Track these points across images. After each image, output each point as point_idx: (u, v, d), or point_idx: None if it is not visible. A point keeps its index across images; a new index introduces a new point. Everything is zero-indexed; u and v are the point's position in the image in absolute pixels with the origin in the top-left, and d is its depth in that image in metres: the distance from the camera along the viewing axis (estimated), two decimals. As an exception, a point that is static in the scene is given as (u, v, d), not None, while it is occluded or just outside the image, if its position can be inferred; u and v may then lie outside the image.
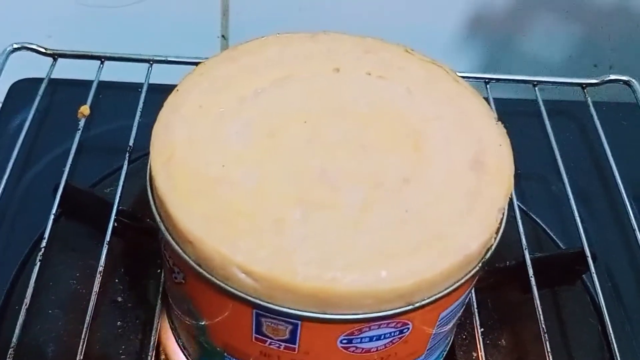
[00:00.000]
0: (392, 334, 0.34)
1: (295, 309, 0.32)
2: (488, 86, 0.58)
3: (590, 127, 0.58)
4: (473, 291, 0.46)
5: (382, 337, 0.34)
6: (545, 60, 0.76)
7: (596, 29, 0.73)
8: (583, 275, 0.51)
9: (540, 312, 0.45)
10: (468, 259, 0.32)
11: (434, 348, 0.39)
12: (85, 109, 0.54)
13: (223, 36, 0.71)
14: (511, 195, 0.49)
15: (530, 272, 0.47)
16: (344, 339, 0.33)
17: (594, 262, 0.48)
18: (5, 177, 0.49)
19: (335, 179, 0.34)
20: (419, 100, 0.39)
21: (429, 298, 0.32)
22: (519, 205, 0.51)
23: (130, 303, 0.48)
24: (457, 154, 0.36)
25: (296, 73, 0.39)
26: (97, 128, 0.57)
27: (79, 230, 0.51)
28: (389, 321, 0.33)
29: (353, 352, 0.34)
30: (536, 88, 0.59)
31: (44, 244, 0.46)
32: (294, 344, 0.34)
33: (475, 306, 0.46)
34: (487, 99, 0.47)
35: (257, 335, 0.34)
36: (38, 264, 0.45)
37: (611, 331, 0.45)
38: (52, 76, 0.57)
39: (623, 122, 0.63)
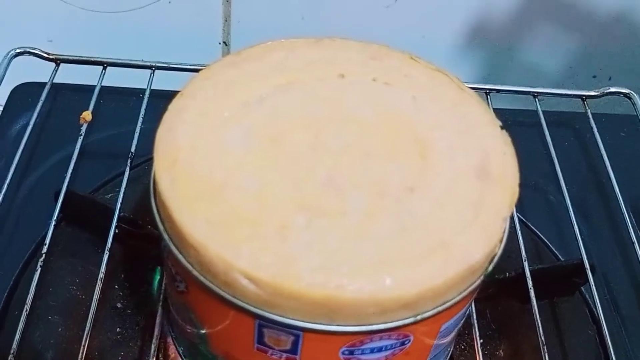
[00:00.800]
0: (394, 346, 0.34)
1: (297, 320, 0.32)
2: (489, 97, 0.58)
3: (590, 138, 0.59)
4: (473, 302, 0.46)
5: (384, 348, 0.34)
6: (545, 71, 0.76)
7: (595, 41, 0.74)
8: (582, 287, 0.51)
9: (539, 323, 0.45)
10: (472, 268, 0.32)
11: (435, 359, 0.39)
12: (87, 115, 0.54)
13: (225, 42, 0.71)
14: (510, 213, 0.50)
15: (530, 283, 0.47)
16: (346, 350, 0.33)
17: (592, 274, 0.49)
18: (7, 182, 0.49)
19: (340, 185, 0.34)
20: (424, 108, 0.39)
21: (430, 310, 0.33)
22: (518, 217, 0.51)
23: (130, 310, 0.49)
24: (461, 162, 0.36)
25: (300, 79, 0.39)
26: (99, 133, 0.57)
27: (79, 236, 0.51)
28: (391, 333, 0.33)
29: (354, 363, 0.34)
30: (536, 99, 0.60)
31: (44, 249, 0.46)
32: (296, 354, 0.34)
33: (474, 317, 0.46)
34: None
35: (259, 346, 0.34)
36: (39, 269, 0.45)
37: (609, 342, 0.45)
38: (54, 81, 0.57)
39: (622, 134, 0.63)
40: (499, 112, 0.52)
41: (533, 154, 0.55)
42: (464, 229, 0.33)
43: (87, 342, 0.42)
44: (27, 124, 0.54)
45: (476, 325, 0.46)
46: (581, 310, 0.51)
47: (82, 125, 0.53)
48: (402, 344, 0.34)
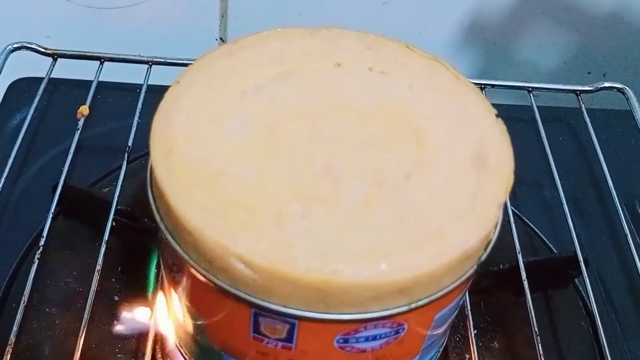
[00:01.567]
0: (388, 334, 0.34)
1: (293, 308, 0.32)
2: (484, 91, 0.59)
3: (584, 133, 0.59)
4: (467, 294, 0.47)
5: (378, 337, 0.34)
6: (541, 67, 0.76)
7: (590, 37, 0.74)
8: (575, 279, 0.52)
9: (533, 315, 0.46)
10: (467, 253, 0.32)
11: (428, 349, 0.39)
12: (84, 109, 0.54)
13: (221, 39, 0.71)
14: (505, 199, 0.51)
15: (523, 275, 0.48)
16: (341, 339, 0.34)
17: (586, 266, 0.49)
18: (4, 175, 0.49)
19: (337, 174, 0.34)
20: (420, 96, 0.39)
21: (425, 298, 0.33)
22: (512, 210, 0.52)
23: (127, 302, 0.49)
24: (458, 150, 0.36)
25: (297, 68, 0.39)
26: (96, 128, 0.57)
27: (76, 229, 0.51)
28: (385, 321, 0.33)
29: (349, 351, 0.34)
30: (531, 94, 0.60)
31: (42, 242, 0.46)
32: (291, 343, 0.34)
33: (468, 308, 0.47)
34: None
35: (255, 334, 0.34)
36: (36, 262, 0.45)
37: (602, 334, 0.46)
38: (51, 76, 0.57)
39: (616, 128, 0.64)
40: (494, 107, 0.52)
41: (528, 149, 0.55)
42: (460, 215, 0.33)
43: (84, 333, 0.42)
44: (25, 118, 0.54)
45: (470, 317, 0.46)
46: (575, 302, 0.51)
47: (79, 120, 0.54)
48: (397, 332, 0.34)
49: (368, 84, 0.39)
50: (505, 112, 0.39)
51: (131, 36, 0.70)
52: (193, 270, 0.34)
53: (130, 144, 0.52)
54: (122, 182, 0.50)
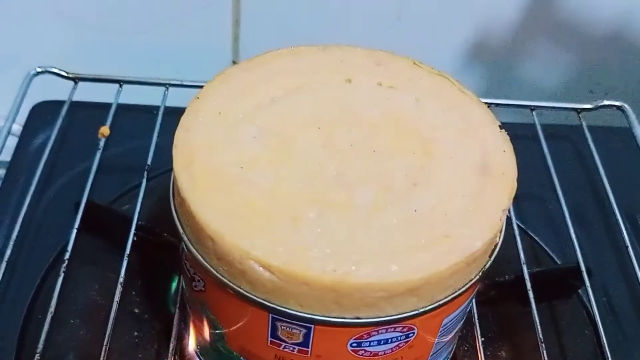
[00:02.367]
0: (399, 338, 0.36)
1: (309, 313, 0.34)
2: (488, 110, 0.60)
3: (585, 150, 0.60)
4: (475, 304, 0.48)
5: (390, 340, 0.36)
6: (543, 87, 0.78)
7: (592, 57, 0.75)
8: (579, 290, 0.53)
9: (538, 325, 0.47)
10: (474, 255, 0.34)
11: (437, 354, 0.41)
12: (105, 130, 0.56)
13: (234, 62, 0.73)
14: (510, 214, 0.52)
15: (529, 285, 0.49)
16: (354, 342, 0.35)
17: (589, 277, 0.50)
18: (30, 193, 0.51)
19: (348, 181, 0.36)
20: (427, 109, 0.41)
21: (434, 304, 0.35)
22: (517, 224, 0.53)
23: (146, 314, 0.51)
24: (463, 159, 0.38)
25: (310, 83, 0.41)
26: (116, 148, 0.59)
27: (98, 245, 0.53)
28: (396, 325, 0.35)
29: (362, 355, 0.36)
30: (534, 112, 0.61)
31: (67, 256, 0.48)
32: (307, 347, 0.36)
33: (476, 318, 0.48)
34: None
35: (273, 339, 0.36)
36: (62, 274, 0.47)
37: (605, 342, 0.47)
38: (72, 99, 0.59)
39: (616, 145, 0.65)
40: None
41: (531, 165, 0.56)
42: (466, 219, 0.35)
43: (108, 343, 0.43)
44: (48, 139, 0.56)
45: (478, 326, 0.48)
46: (578, 311, 0.53)
47: (100, 140, 0.56)
48: (407, 336, 0.36)
49: (377, 97, 0.41)
50: (509, 130, 0.41)
51: (146, 60, 0.72)
52: (213, 277, 0.35)
53: (149, 162, 0.53)
54: (142, 199, 0.51)
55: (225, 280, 0.35)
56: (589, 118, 0.62)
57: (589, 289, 0.50)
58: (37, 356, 0.43)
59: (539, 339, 0.46)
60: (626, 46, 0.75)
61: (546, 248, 0.57)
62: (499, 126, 0.40)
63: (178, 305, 0.46)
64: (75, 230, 0.49)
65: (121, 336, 0.49)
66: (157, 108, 0.59)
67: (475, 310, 0.48)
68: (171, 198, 0.39)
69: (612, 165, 0.58)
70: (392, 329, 0.35)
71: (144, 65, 0.69)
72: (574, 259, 0.51)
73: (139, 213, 0.50)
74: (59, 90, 0.60)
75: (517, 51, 0.75)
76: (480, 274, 0.37)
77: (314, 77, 0.42)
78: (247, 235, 0.33)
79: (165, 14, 0.70)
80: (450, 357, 0.45)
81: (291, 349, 0.36)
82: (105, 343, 0.44)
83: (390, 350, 0.37)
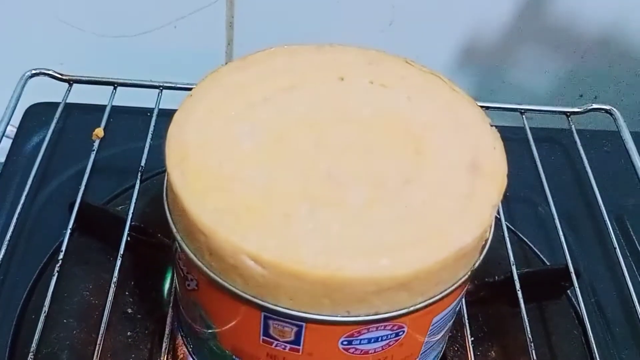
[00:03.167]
0: (389, 336, 0.36)
1: (300, 311, 0.34)
2: (478, 113, 0.61)
3: (575, 153, 0.61)
4: (464, 305, 0.49)
5: (380, 339, 0.36)
6: (533, 91, 0.79)
7: (582, 62, 0.76)
8: (568, 290, 0.54)
9: (527, 325, 0.47)
10: (464, 250, 0.35)
11: (427, 353, 0.42)
12: (99, 131, 0.56)
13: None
14: (500, 215, 0.53)
15: (518, 286, 0.49)
16: (345, 341, 0.36)
17: (577, 278, 0.51)
18: (24, 194, 0.51)
19: (340, 178, 0.36)
20: (418, 107, 0.41)
21: (423, 302, 0.35)
22: (507, 225, 0.54)
23: (140, 314, 0.51)
24: (454, 157, 0.38)
25: (303, 82, 0.41)
26: (110, 149, 0.59)
27: (91, 245, 0.54)
28: (386, 323, 0.36)
29: (353, 353, 0.37)
30: (524, 116, 0.62)
31: (61, 256, 0.48)
32: (299, 345, 0.36)
33: (466, 318, 0.49)
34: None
35: (265, 337, 0.37)
36: (56, 274, 0.47)
37: (593, 342, 0.48)
38: (66, 101, 0.60)
39: (605, 148, 0.66)
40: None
41: (521, 168, 0.57)
42: (457, 215, 0.35)
43: (102, 343, 0.44)
44: (42, 140, 0.56)
45: (468, 326, 0.48)
46: (567, 312, 0.53)
47: (94, 141, 0.56)
48: (397, 335, 0.37)
49: (369, 95, 0.41)
50: (499, 133, 0.41)
51: (141, 63, 0.72)
52: (205, 275, 0.36)
53: (143, 164, 0.54)
54: (136, 200, 0.52)
55: (217, 277, 0.35)
56: (578, 122, 0.63)
57: (578, 290, 0.50)
58: (30, 355, 0.43)
59: (528, 339, 0.47)
60: (615, 50, 0.76)
61: (535, 249, 0.57)
62: (490, 123, 0.41)
63: (171, 305, 0.47)
64: (69, 231, 0.50)
65: (114, 336, 0.49)
66: (151, 110, 0.59)
67: (465, 311, 0.49)
68: (164, 195, 0.39)
69: (600, 168, 0.59)
70: (383, 327, 0.36)
71: (138, 69, 0.69)
72: (562, 260, 0.52)
73: (133, 214, 0.51)
74: (54, 93, 0.60)
75: (507, 55, 0.76)
76: (469, 272, 0.37)
77: (306, 76, 0.42)
78: (239, 229, 0.34)
79: (159, 17, 0.70)
80: (440, 356, 0.46)
81: (283, 347, 0.37)
82: (98, 343, 0.44)
83: (380, 349, 0.37)
